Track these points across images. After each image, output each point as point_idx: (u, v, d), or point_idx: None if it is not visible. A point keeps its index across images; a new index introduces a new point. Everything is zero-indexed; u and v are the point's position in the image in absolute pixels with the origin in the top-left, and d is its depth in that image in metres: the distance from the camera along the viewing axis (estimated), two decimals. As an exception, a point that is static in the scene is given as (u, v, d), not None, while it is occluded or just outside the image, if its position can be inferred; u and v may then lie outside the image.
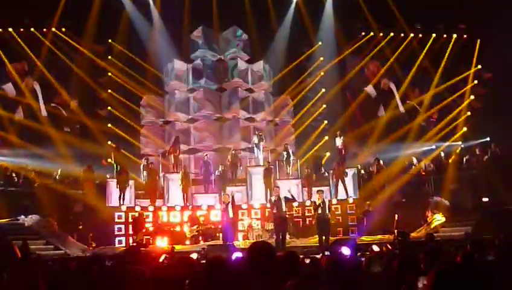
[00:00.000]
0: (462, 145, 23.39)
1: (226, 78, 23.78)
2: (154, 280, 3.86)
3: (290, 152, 20.95)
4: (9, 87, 23.37)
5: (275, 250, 2.91)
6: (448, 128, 24.50)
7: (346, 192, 19.31)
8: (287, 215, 15.20)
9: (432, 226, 17.58)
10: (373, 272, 5.31)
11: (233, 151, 21.14)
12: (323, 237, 14.81)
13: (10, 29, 23.06)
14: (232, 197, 15.74)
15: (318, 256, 9.39)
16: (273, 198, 15.20)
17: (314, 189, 18.51)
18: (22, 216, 17.54)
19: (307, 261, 9.02)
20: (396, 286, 4.68)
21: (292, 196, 15.80)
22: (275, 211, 14.80)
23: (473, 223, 16.70)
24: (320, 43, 24.99)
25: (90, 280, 5.62)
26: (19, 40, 23.08)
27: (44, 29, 23.61)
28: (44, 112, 23.46)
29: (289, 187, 17.74)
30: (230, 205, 15.36)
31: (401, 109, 25.69)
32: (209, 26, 23.72)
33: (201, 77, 23.70)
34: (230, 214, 15.37)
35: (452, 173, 20.53)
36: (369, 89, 25.91)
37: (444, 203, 18.79)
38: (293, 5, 24.72)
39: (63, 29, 23.82)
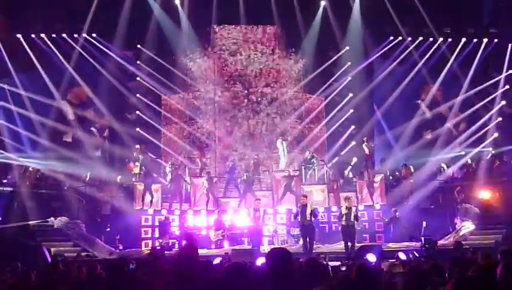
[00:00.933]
0: (493, 152, 22.88)
1: (253, 78, 23.70)
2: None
3: (314, 158, 20.81)
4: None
5: (292, 257, 2.88)
6: (478, 134, 24.02)
7: (372, 199, 19.15)
8: (311, 223, 15.02)
9: (461, 233, 17.26)
10: (395, 280, 5.23)
11: (256, 156, 21.06)
12: (349, 244, 14.67)
13: (42, 35, 23.59)
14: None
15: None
16: (298, 205, 15.07)
17: (341, 195, 18.48)
18: (51, 218, 17.88)
19: (343, 268, 8.97)
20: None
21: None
22: (299, 219, 14.69)
23: (504, 232, 16.34)
24: (347, 47, 24.81)
25: (114, 283, 5.69)
26: (51, 45, 23.61)
27: (76, 35, 24.07)
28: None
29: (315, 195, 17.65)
30: (262, 211, 15.49)
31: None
32: (236, 24, 23.70)
33: (227, 77, 23.75)
34: (261, 219, 15.45)
35: (482, 179, 20.12)
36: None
37: (474, 211, 18.42)
38: (320, 9, 24.61)
39: (94, 35, 24.25)
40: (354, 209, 15.03)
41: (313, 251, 14.67)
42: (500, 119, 24.01)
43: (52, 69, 23.84)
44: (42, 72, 23.51)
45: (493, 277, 3.61)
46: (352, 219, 14.64)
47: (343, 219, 14.61)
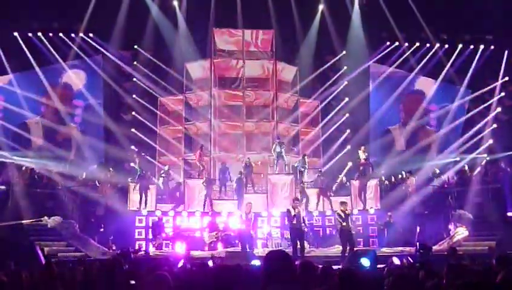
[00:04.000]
0: (488, 158, 22.96)
1: (249, 82, 23.66)
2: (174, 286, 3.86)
3: (306, 161, 20.77)
4: None
5: (291, 259, 2.86)
6: (473, 140, 24.10)
7: (365, 204, 19.18)
8: (305, 229, 15.04)
9: (455, 239, 17.26)
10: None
11: (247, 159, 21.01)
12: (348, 248, 14.59)
13: (39, 34, 23.55)
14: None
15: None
16: (290, 208, 15.01)
17: (334, 199, 18.53)
18: (45, 217, 17.78)
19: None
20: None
21: None
22: (294, 222, 14.64)
23: (497, 238, 16.37)
24: (344, 52, 24.88)
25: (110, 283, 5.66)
26: (48, 44, 23.59)
27: (73, 34, 24.04)
28: None
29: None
30: (252, 214, 15.50)
31: None
32: (233, 27, 23.66)
33: (223, 80, 23.72)
34: (252, 223, 15.44)
35: (476, 186, 20.17)
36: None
37: (468, 217, 18.45)
38: (319, 14, 24.69)
39: (91, 35, 24.22)
40: (349, 212, 15.01)
41: (305, 255, 14.63)
42: (495, 126, 24.09)
43: (48, 68, 23.87)
44: (38, 71, 23.50)
45: (492, 282, 3.61)
46: (350, 223, 14.62)
47: (342, 222, 14.56)
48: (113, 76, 24.28)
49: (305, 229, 15.29)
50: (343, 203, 15.24)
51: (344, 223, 14.54)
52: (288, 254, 2.97)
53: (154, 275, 3.47)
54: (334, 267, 9.41)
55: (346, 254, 14.17)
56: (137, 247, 16.99)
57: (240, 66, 23.49)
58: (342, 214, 14.57)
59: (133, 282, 5.07)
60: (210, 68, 23.19)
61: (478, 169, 21.35)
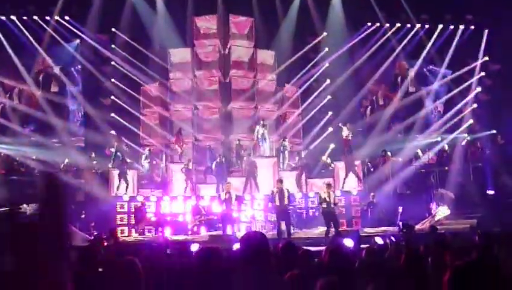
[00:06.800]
0: (468, 138, 23.15)
1: (230, 67, 23.41)
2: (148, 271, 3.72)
3: (287, 144, 20.70)
4: None
5: (267, 240, 2.73)
6: (454, 120, 24.23)
7: (360, 179, 19.16)
8: (288, 209, 14.96)
9: (437, 218, 17.40)
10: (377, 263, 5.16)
11: (237, 142, 20.95)
12: (332, 229, 14.54)
13: (13, 17, 22.92)
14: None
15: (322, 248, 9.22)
16: (274, 190, 14.93)
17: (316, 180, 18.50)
18: (24, 205, 17.44)
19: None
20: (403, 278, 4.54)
21: None
22: (277, 203, 14.55)
23: (478, 216, 16.54)
24: (325, 33, 24.68)
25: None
26: (22, 28, 22.99)
27: (48, 17, 23.44)
28: None
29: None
30: (233, 194, 15.38)
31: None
32: (213, 12, 23.38)
33: (204, 65, 23.45)
34: (232, 203, 15.33)
35: (458, 165, 20.34)
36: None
37: (449, 196, 18.62)
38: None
39: (66, 18, 23.64)
40: (333, 194, 14.95)
41: (291, 236, 14.59)
42: (475, 105, 24.24)
43: (23, 52, 23.28)
44: (13, 56, 22.93)
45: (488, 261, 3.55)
46: (332, 204, 14.57)
47: (324, 204, 14.50)
48: (91, 60, 23.76)
49: (289, 211, 15.23)
50: (327, 184, 15.20)
51: (326, 205, 14.49)
52: (265, 235, 2.84)
53: (122, 261, 3.31)
54: (314, 248, 9.38)
55: (330, 235, 14.17)
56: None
57: (220, 50, 23.22)
58: (325, 196, 14.51)
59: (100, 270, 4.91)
60: (191, 53, 22.90)
61: (459, 149, 21.55)
